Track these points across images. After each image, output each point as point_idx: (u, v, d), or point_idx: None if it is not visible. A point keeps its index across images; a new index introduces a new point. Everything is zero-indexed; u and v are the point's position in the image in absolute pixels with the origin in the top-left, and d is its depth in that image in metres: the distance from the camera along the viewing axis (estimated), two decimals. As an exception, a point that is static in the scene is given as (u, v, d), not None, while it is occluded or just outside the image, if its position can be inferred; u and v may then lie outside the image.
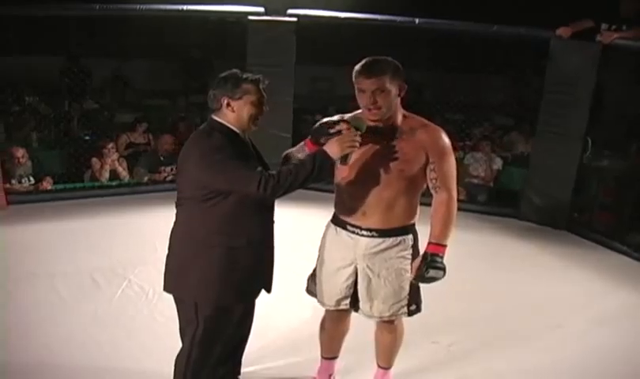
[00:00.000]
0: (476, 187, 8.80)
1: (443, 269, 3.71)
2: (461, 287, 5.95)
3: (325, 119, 3.66)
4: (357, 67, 3.67)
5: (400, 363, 4.40)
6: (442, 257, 3.72)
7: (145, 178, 8.49)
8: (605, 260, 7.00)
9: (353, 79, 3.68)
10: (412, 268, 3.80)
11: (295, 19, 8.04)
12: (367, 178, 3.74)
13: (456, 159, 8.66)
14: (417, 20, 7.85)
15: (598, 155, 7.99)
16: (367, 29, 8.68)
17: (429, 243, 3.75)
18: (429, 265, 3.69)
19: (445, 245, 3.75)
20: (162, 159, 8.54)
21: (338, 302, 4.02)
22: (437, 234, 3.75)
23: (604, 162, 8.18)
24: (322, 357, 4.39)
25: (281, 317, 5.06)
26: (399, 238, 3.86)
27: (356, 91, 3.68)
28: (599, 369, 4.94)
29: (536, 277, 6.42)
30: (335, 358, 4.40)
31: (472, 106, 10.51)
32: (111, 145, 8.55)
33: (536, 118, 7.84)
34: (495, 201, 8.59)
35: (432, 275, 3.70)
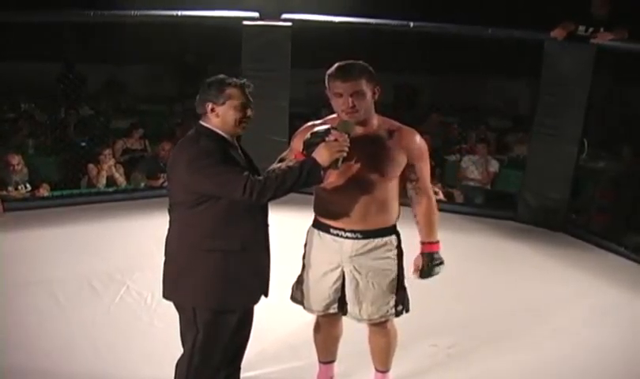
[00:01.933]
0: (473, 189, 8.82)
1: (443, 263, 3.98)
2: (459, 289, 5.97)
3: (315, 129, 3.63)
4: (331, 71, 3.68)
5: (399, 367, 4.41)
6: (438, 253, 3.97)
7: (142, 184, 8.48)
8: (602, 261, 7.00)
9: (327, 83, 3.69)
10: (414, 267, 3.97)
11: (289, 23, 8.04)
12: (348, 183, 3.75)
13: (453, 162, 8.71)
14: (412, 24, 7.86)
15: (594, 156, 8.01)
16: (362, 32, 8.72)
17: (424, 243, 3.96)
18: (433, 263, 3.93)
19: (438, 241, 3.97)
20: (162, 165, 8.52)
21: (327, 307, 4.02)
22: (429, 234, 3.95)
23: (600, 163, 8.20)
24: (320, 361, 4.40)
25: (280, 321, 5.05)
26: (384, 239, 3.88)
27: (331, 96, 3.68)
28: (598, 369, 4.95)
29: (533, 279, 6.42)
30: (332, 361, 4.40)
31: (469, 108, 10.55)
32: (107, 151, 8.55)
33: (531, 120, 7.84)
34: (492, 203, 8.59)
35: (437, 271, 3.97)
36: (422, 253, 3.95)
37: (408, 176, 3.84)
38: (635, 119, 8.24)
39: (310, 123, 3.92)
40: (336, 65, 3.69)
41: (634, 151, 8.35)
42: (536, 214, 7.77)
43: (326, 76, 3.69)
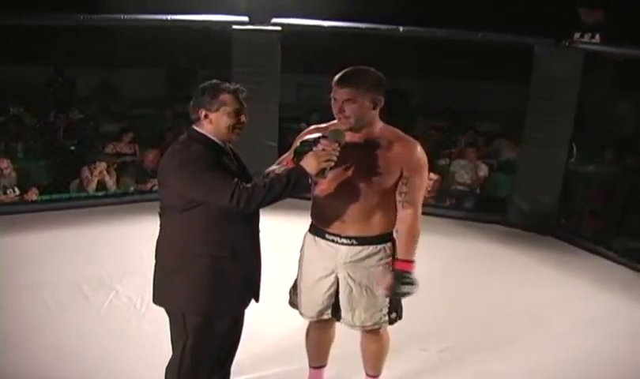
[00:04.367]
0: (463, 194, 8.82)
1: (415, 284, 3.81)
2: (449, 293, 5.98)
3: (306, 137, 3.64)
4: (337, 75, 3.69)
5: (390, 371, 4.40)
6: (411, 273, 3.80)
7: (132, 188, 8.46)
8: (592, 265, 7.03)
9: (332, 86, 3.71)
10: (384, 284, 3.81)
11: (279, 28, 8.04)
12: (344, 190, 3.74)
13: (442, 166, 8.73)
14: (401, 28, 7.87)
15: (584, 160, 8.04)
16: (352, 37, 8.73)
17: (397, 260, 3.82)
18: (402, 282, 3.77)
19: (413, 261, 3.82)
20: (148, 171, 8.52)
21: (320, 313, 4.02)
22: (404, 252, 3.82)
23: (589, 167, 8.23)
24: (310, 366, 4.39)
25: (271, 326, 5.05)
26: (379, 247, 3.86)
27: (331, 100, 3.69)
28: (589, 373, 4.98)
29: (523, 283, 6.44)
30: (323, 366, 4.39)
31: (459, 112, 10.58)
32: (103, 165, 8.50)
33: (521, 125, 7.86)
34: (482, 207, 8.60)
35: (406, 291, 3.80)
36: (393, 270, 3.81)
37: (399, 188, 3.77)
38: (625, 123, 8.29)
39: (312, 127, 3.92)
40: (344, 70, 3.70)
41: (621, 155, 8.40)
42: (526, 218, 7.79)
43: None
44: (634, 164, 8.37)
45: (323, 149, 3.48)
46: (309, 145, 3.54)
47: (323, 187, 3.76)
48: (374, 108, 3.69)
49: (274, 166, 3.79)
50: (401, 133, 3.83)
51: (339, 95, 3.62)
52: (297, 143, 3.74)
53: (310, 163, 3.47)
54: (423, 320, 5.14)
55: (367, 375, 4.33)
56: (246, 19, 8.03)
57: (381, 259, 3.87)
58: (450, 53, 10.21)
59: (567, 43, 7.34)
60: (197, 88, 3.55)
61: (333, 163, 3.51)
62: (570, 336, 5.45)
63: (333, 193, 3.76)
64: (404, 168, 3.74)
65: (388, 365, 4.33)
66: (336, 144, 3.51)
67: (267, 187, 3.43)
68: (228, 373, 3.95)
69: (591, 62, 7.32)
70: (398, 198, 3.79)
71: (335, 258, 3.86)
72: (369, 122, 3.71)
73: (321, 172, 3.50)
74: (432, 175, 8.23)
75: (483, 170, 9.04)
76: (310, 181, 3.51)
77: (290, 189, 3.45)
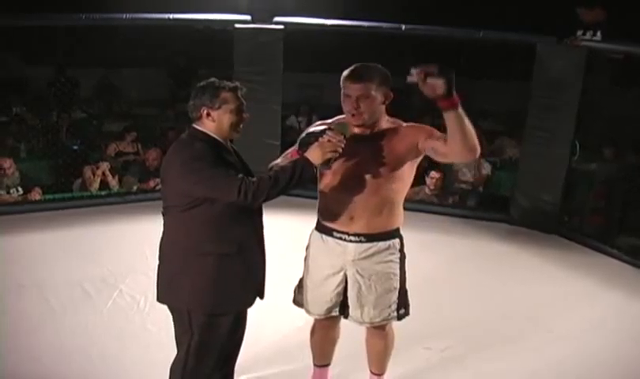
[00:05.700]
0: (466, 192, 8.81)
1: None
2: (452, 291, 5.98)
3: (311, 128, 3.67)
4: (345, 72, 3.70)
5: (393, 369, 4.40)
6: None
7: (135, 187, 8.46)
8: (595, 263, 7.02)
9: (341, 84, 3.70)
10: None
11: (281, 27, 8.04)
12: (354, 185, 3.75)
13: (445, 164, 8.73)
14: (403, 27, 7.86)
15: (586, 158, 8.03)
16: (355, 35, 8.72)
17: None
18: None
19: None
20: (151, 170, 8.51)
21: (328, 310, 4.02)
22: None
23: (592, 165, 8.22)
24: (315, 365, 4.39)
25: (274, 325, 5.05)
26: (387, 243, 3.88)
27: (342, 96, 3.70)
28: (593, 372, 4.97)
29: (526, 281, 6.43)
30: (327, 365, 4.39)
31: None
32: (106, 164, 8.50)
33: (524, 123, 7.85)
34: (485, 206, 8.58)
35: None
36: None
37: (429, 144, 3.66)
38: (625, 121, 8.28)
39: (319, 122, 3.92)
40: (352, 66, 3.70)
41: (622, 152, 8.39)
42: (529, 216, 7.78)
43: (341, 77, 3.71)
44: (637, 162, 8.36)
45: (329, 140, 3.50)
46: (315, 136, 3.57)
47: (327, 181, 3.79)
48: (384, 102, 3.71)
49: (279, 160, 3.82)
50: (404, 122, 3.83)
51: (352, 90, 3.63)
52: (303, 135, 3.76)
53: (315, 154, 3.50)
54: (425, 319, 5.14)
55: (372, 373, 4.33)
56: (248, 18, 8.02)
57: (389, 254, 3.89)
58: (453, 51, 10.20)
59: (569, 41, 7.34)
60: (197, 87, 3.56)
61: (337, 155, 3.54)
62: (574, 335, 5.44)
63: (345, 189, 3.77)
64: (420, 139, 3.69)
65: (391, 363, 4.32)
66: (342, 136, 3.53)
67: (273, 180, 3.44)
68: (232, 372, 3.96)
69: (593, 60, 7.31)
70: (438, 145, 3.63)
71: (343, 256, 3.87)
72: (378, 117, 3.73)
73: (326, 163, 3.53)
74: (434, 173, 8.22)
75: (486, 169, 9.02)
76: (315, 172, 3.52)
77: (296, 180, 3.47)
